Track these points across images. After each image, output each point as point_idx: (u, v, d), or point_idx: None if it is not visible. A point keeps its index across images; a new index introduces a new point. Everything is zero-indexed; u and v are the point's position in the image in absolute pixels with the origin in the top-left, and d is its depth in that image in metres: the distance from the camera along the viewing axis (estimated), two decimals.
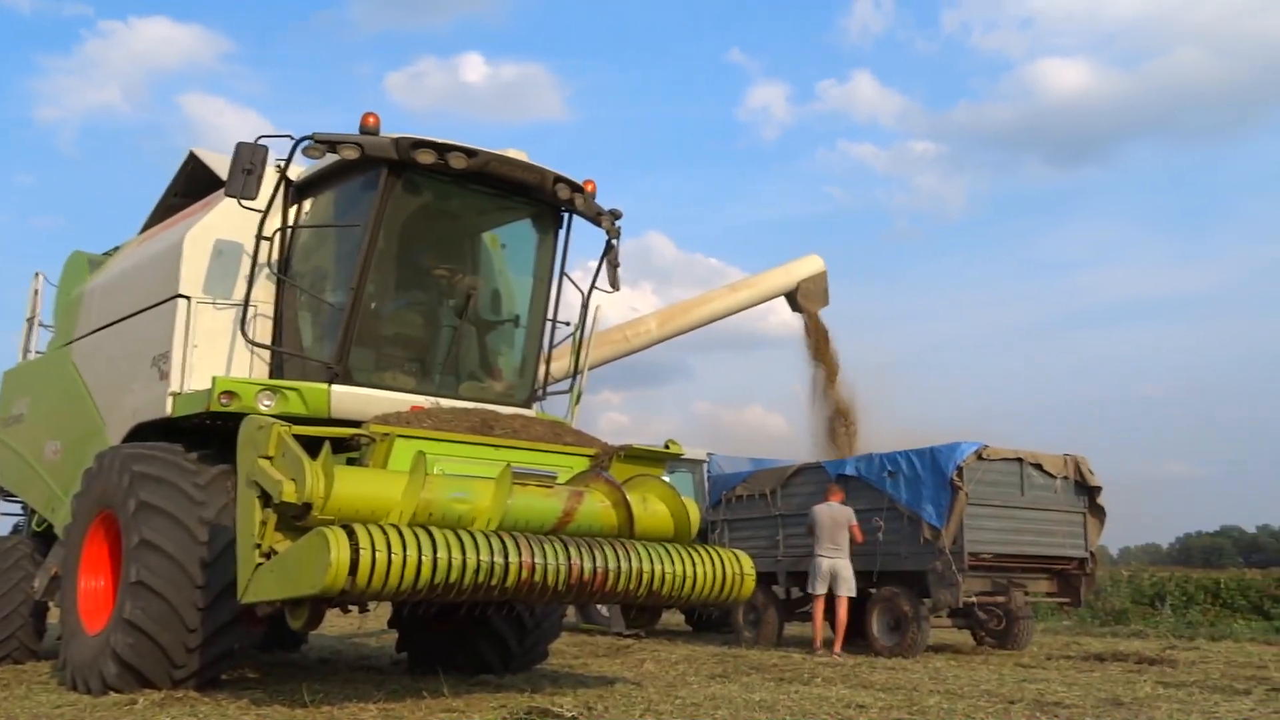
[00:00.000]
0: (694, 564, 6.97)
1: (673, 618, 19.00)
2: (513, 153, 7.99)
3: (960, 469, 12.10)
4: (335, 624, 15.99)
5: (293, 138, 7.42)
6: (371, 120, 7.46)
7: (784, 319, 17.88)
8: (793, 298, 17.39)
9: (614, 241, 8.84)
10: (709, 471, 16.13)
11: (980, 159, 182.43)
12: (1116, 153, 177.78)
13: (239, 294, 7.92)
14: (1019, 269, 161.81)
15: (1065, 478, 13.19)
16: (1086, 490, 13.37)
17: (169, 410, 7.70)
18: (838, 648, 12.22)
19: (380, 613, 11.95)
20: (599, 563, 6.46)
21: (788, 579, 13.98)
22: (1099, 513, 13.41)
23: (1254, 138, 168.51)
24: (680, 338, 16.93)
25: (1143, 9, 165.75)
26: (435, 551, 5.85)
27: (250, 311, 7.84)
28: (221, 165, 8.31)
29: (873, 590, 12.90)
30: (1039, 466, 12.97)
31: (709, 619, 17.15)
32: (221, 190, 7.72)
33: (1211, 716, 6.83)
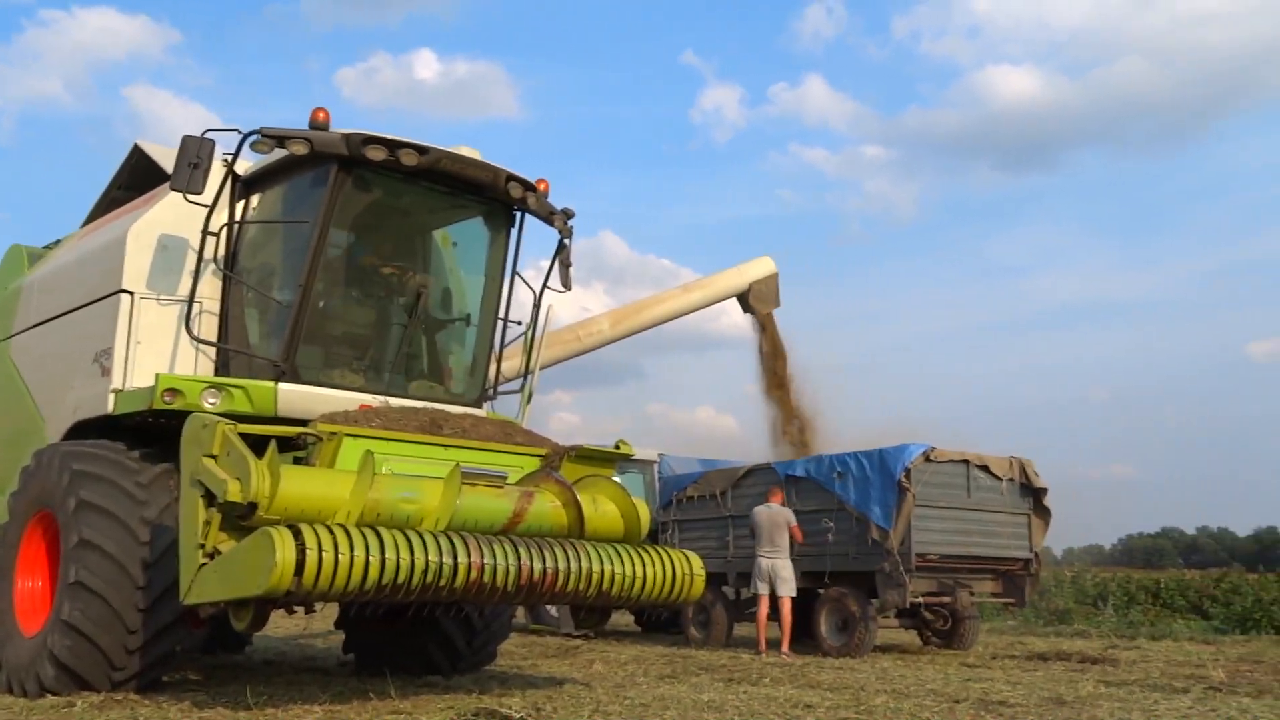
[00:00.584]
0: (644, 564, 6.97)
1: (622, 618, 19.00)
2: (465, 150, 7.95)
3: (908, 470, 12.23)
4: (280, 625, 15.80)
5: (240, 132, 7.32)
6: (322, 115, 7.37)
7: (735, 320, 18.02)
8: (744, 299, 17.50)
9: (566, 241, 8.82)
10: (660, 472, 16.17)
11: (930, 164, 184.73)
12: (1063, 160, 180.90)
13: (184, 290, 7.78)
14: (968, 273, 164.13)
15: (1011, 479, 13.38)
16: (1032, 492, 13.57)
17: (110, 408, 7.57)
18: (785, 648, 12.30)
19: (327, 613, 11.81)
20: (549, 563, 6.44)
21: (737, 579, 14.04)
22: (1044, 514, 13.62)
23: (1197, 147, 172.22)
24: (632, 338, 16.99)
25: (1088, 19, 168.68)
26: (383, 552, 5.79)
27: (195, 308, 7.70)
28: (167, 159, 8.18)
29: (821, 591, 13.00)
30: (985, 468, 13.14)
31: (658, 620, 17.18)
32: (167, 184, 7.58)
33: (1151, 715, 6.94)
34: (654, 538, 15.41)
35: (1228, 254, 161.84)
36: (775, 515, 12.62)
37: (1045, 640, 15.71)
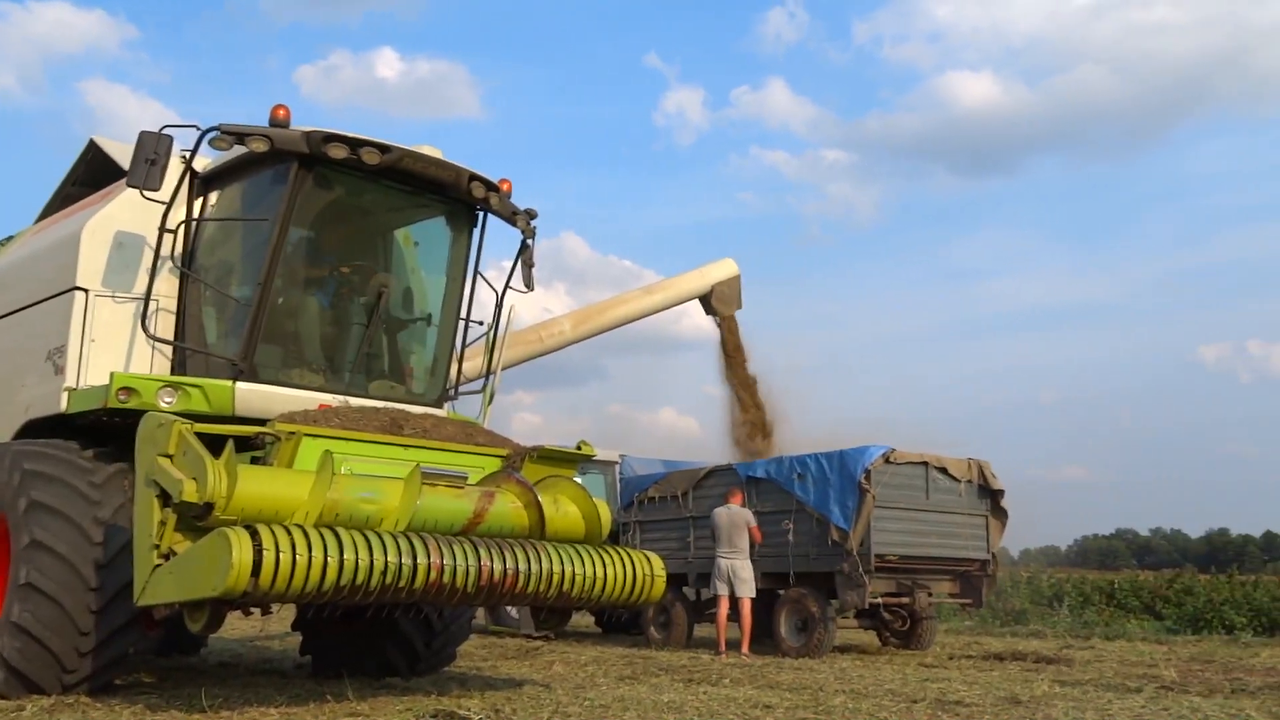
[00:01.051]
0: (605, 565, 6.96)
1: (582, 619, 19.01)
2: (427, 149, 7.90)
3: (868, 472, 12.32)
4: (236, 627, 15.63)
5: (199, 128, 7.23)
6: (282, 113, 7.30)
7: (697, 322, 18.05)
8: (707, 301, 17.55)
9: (529, 241, 8.79)
10: (621, 473, 16.16)
11: (890, 168, 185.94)
12: (1022, 165, 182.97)
13: (140, 288, 7.67)
14: (928, 277, 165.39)
15: (969, 481, 13.52)
16: (989, 493, 13.71)
17: (63, 406, 7.45)
18: (744, 648, 12.35)
19: (284, 615, 11.73)
20: (509, 564, 6.41)
21: (698, 580, 14.08)
22: (1001, 515, 13.77)
23: (1152, 154, 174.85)
24: (594, 339, 16.98)
25: (1045, 26, 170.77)
26: (342, 553, 5.74)
27: (152, 306, 7.60)
28: (123, 154, 8.06)
29: (781, 592, 13.06)
30: (944, 470, 13.27)
31: (618, 620, 17.18)
32: (123, 180, 7.49)
33: (1105, 714, 7.01)
34: (615, 538, 15.44)
35: (1181, 259, 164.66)
36: (735, 516, 12.67)
37: (1001, 640, 15.89)
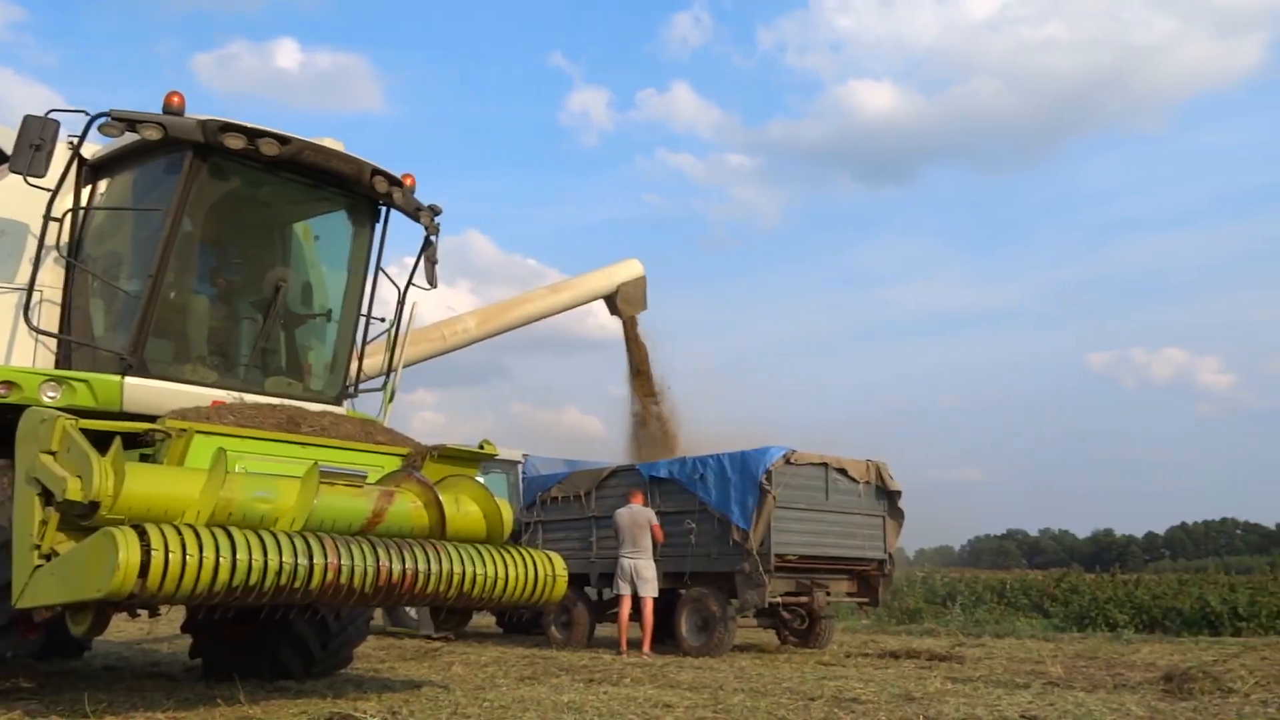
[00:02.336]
0: (505, 565, 6.92)
1: (483, 619, 18.87)
2: (328, 142, 7.75)
3: (769, 473, 12.45)
4: (123, 629, 15.16)
5: (88, 114, 6.98)
6: (176, 100, 7.09)
7: (602, 322, 18.07)
8: (612, 301, 17.56)
9: (433, 238, 8.68)
10: (524, 473, 16.08)
11: (794, 173, 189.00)
12: (920, 174, 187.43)
13: (22, 278, 7.38)
14: (830, 281, 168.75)
15: (868, 482, 13.76)
16: (887, 494, 13.98)
17: None
18: (646, 648, 12.39)
19: (173, 616, 11.37)
20: (408, 564, 6.33)
21: (600, 580, 14.09)
22: (898, 516, 14.05)
23: (1044, 167, 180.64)
24: (498, 338, 16.88)
25: (943, 39, 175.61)
26: (234, 553, 5.60)
27: (35, 296, 7.32)
28: (6, 139, 7.72)
29: (682, 591, 13.14)
30: (844, 471, 13.49)
31: (520, 620, 17.10)
32: (4, 166, 7.19)
33: (994, 710, 7.19)
34: (516, 538, 15.35)
35: (1071, 270, 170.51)
36: (637, 516, 12.71)
37: (897, 638, 16.22)
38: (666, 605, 13.10)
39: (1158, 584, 22.14)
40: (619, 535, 12.74)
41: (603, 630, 14.66)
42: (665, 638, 13.06)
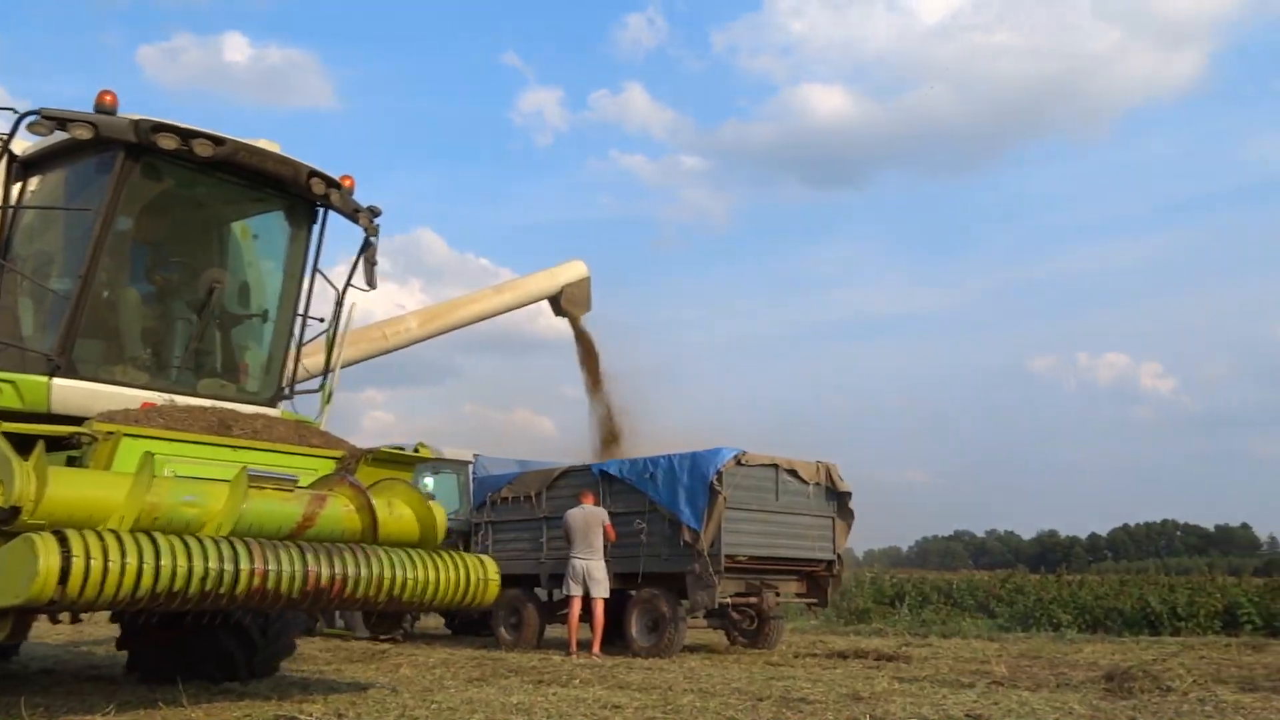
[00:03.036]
0: (437, 569, 6.89)
1: (431, 620, 18.79)
2: (264, 143, 7.68)
3: (720, 473, 12.48)
4: (62, 631, 14.92)
5: (17, 111, 6.86)
6: (109, 99, 6.99)
7: (554, 322, 17.99)
8: (556, 302, 17.54)
9: (372, 239, 8.62)
10: (475, 473, 16.02)
11: (745, 176, 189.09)
12: (869, 177, 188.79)
13: None
14: (779, 284, 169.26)
15: (817, 483, 13.82)
16: (836, 495, 14.06)
17: None
18: (596, 648, 12.39)
19: (99, 619, 11.27)
20: (337, 569, 6.29)
21: (550, 581, 14.07)
22: (848, 517, 14.13)
23: (991, 173, 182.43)
24: (449, 338, 16.80)
25: (893, 44, 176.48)
26: (158, 559, 5.53)
27: None
28: None
29: (633, 592, 13.15)
30: (794, 472, 13.55)
31: (469, 621, 17.04)
32: None
33: (940, 708, 7.28)
34: (467, 539, 15.31)
35: (1015, 274, 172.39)
36: (590, 516, 12.70)
37: (845, 639, 16.34)
38: (617, 606, 13.11)
39: (1100, 585, 22.45)
40: (571, 536, 12.71)
41: (552, 631, 14.65)
42: (615, 638, 13.07)
